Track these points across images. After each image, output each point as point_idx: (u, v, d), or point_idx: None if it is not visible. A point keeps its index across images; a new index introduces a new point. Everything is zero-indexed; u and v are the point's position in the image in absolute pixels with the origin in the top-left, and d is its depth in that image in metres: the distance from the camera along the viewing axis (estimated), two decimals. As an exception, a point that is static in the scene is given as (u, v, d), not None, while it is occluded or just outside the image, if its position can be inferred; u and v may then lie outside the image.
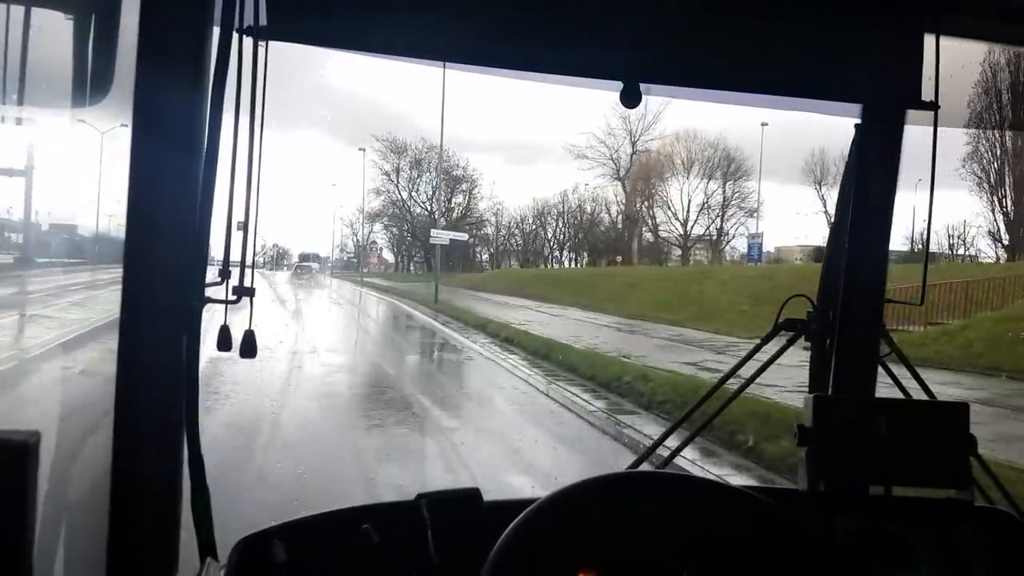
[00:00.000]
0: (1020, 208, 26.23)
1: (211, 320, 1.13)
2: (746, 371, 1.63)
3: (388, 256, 41.13)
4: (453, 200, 37.94)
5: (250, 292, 1.10)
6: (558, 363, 12.08)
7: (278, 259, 45.41)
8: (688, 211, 34.81)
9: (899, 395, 1.56)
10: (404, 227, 37.73)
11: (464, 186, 37.67)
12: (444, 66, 1.35)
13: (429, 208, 37.01)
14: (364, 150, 34.73)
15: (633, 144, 35.58)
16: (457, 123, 52.82)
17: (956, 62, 1.43)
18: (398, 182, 37.09)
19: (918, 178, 1.61)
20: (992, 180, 26.00)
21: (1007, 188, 26.05)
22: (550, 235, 39.19)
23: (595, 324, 19.25)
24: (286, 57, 1.18)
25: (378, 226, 39.15)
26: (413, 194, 37.34)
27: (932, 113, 1.41)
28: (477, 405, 10.09)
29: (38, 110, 1.02)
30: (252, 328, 1.12)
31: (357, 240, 42.63)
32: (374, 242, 40.73)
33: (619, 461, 6.15)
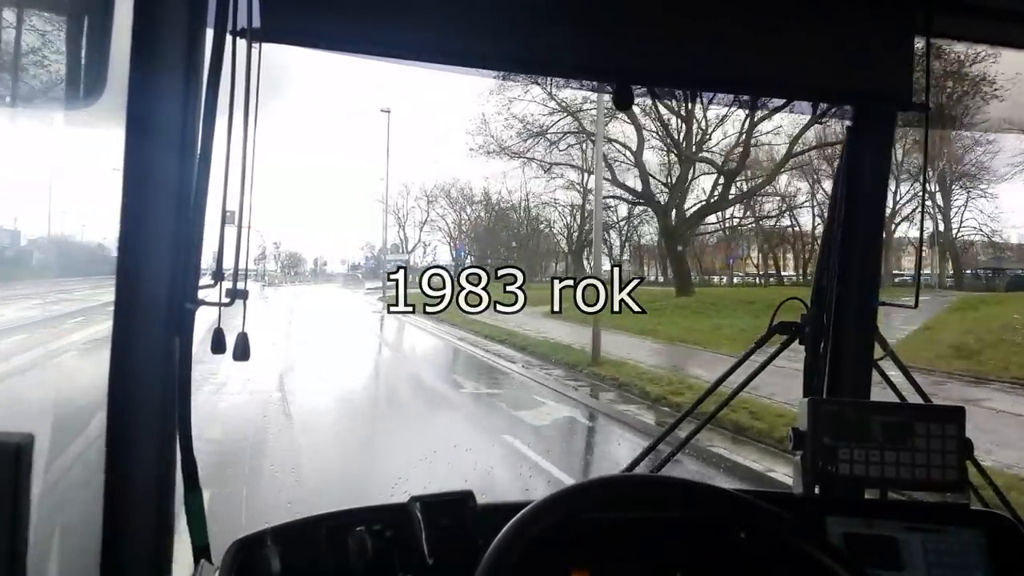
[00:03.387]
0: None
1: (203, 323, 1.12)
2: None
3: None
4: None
5: (243, 295, 1.10)
6: None
7: (289, 267, 35.50)
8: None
9: (894, 398, 1.56)
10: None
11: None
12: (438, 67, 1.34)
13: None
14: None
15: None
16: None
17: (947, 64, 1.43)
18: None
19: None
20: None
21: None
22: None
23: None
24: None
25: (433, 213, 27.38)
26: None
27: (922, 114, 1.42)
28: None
29: (32, 111, 1.02)
30: (245, 331, 1.12)
31: (404, 234, 30.35)
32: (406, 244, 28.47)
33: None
